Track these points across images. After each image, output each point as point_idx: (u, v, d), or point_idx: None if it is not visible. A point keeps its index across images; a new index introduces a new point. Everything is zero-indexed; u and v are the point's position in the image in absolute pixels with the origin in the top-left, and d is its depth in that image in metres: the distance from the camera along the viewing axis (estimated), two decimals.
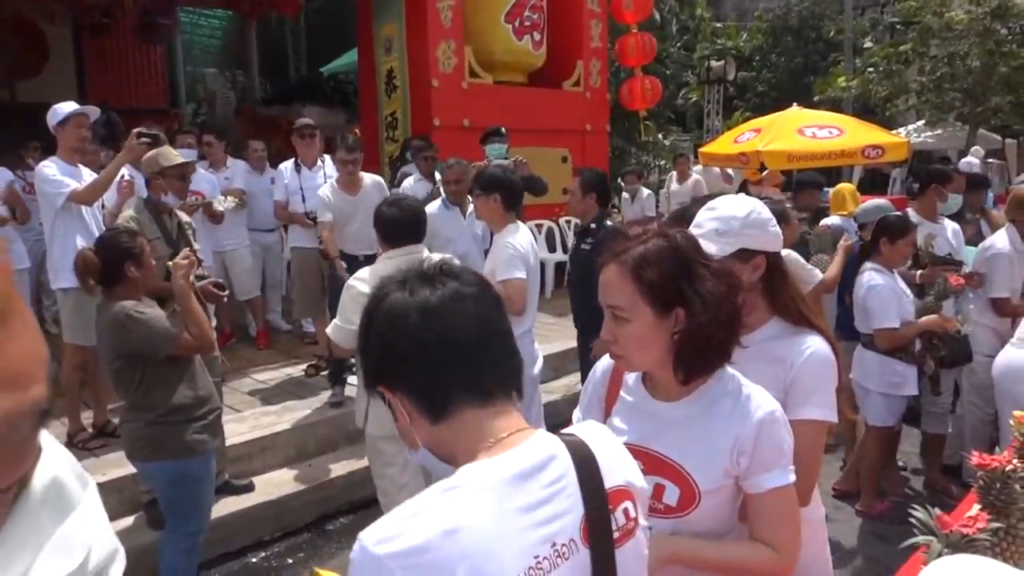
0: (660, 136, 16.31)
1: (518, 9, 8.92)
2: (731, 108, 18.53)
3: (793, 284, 1.83)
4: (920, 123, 16.64)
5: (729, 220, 1.74)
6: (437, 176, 6.41)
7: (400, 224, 3.24)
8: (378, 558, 0.89)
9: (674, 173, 10.62)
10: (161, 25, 11.30)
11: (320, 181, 5.87)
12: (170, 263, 3.17)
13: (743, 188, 7.40)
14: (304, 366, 6.09)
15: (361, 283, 3.16)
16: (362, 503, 4.55)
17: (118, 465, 4.25)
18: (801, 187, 6.17)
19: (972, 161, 10.88)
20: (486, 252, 4.68)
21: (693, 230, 1.71)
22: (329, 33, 15.76)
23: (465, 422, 1.05)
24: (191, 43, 16.95)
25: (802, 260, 4.24)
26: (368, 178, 5.48)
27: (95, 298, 3.37)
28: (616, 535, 1.06)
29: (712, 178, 10.08)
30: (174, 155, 4.55)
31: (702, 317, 1.40)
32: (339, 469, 4.83)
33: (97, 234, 4.66)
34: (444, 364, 1.05)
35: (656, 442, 1.52)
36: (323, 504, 4.56)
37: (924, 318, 4.12)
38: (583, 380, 4.52)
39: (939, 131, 16.07)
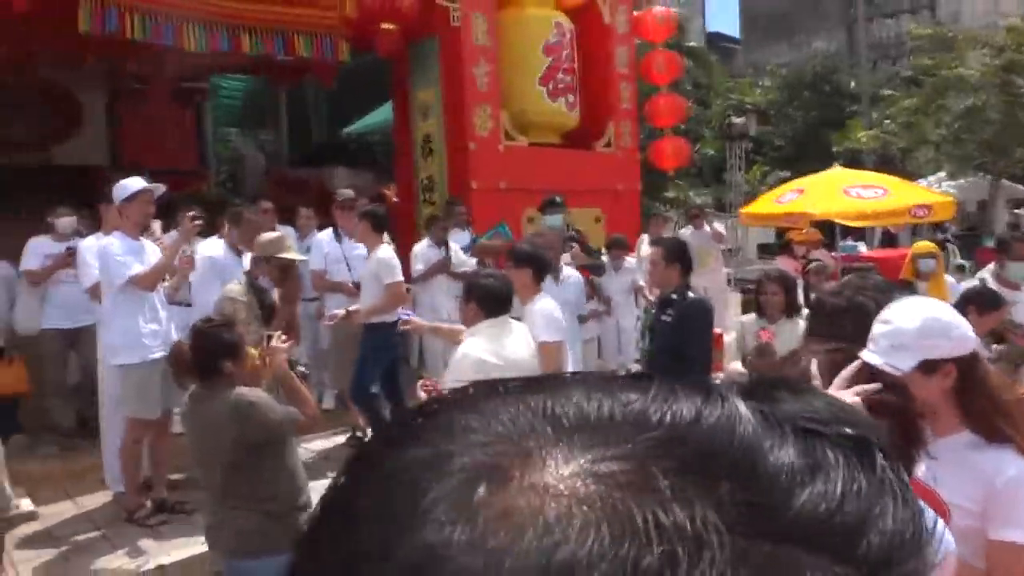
0: (691, 194, 16.39)
1: (551, 72, 9.03)
2: (750, 162, 18.66)
3: (992, 392, 1.68)
4: (941, 174, 16.70)
5: (901, 333, 1.63)
6: (452, 245, 6.49)
7: (504, 295, 3.41)
8: None
9: (646, 236, 9.06)
10: (195, 89, 11.48)
11: (363, 251, 5.79)
12: (257, 349, 3.11)
13: (787, 247, 7.37)
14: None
15: (485, 352, 3.20)
16: None
17: (182, 546, 4.17)
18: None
19: None
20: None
21: (870, 346, 1.63)
22: (349, 93, 15.94)
23: None
24: (217, 104, 17.17)
25: None
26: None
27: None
28: None
29: (702, 239, 9.08)
30: (291, 250, 4.81)
31: None
32: None
33: (159, 308, 4.68)
34: None
35: None
36: None
37: None
38: None
39: (961, 181, 16.12)
